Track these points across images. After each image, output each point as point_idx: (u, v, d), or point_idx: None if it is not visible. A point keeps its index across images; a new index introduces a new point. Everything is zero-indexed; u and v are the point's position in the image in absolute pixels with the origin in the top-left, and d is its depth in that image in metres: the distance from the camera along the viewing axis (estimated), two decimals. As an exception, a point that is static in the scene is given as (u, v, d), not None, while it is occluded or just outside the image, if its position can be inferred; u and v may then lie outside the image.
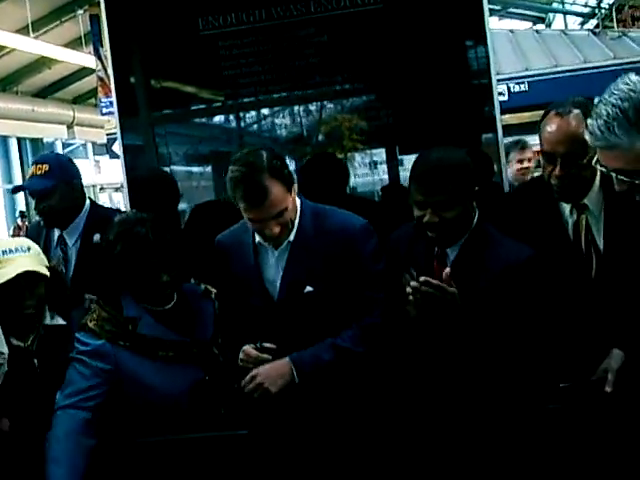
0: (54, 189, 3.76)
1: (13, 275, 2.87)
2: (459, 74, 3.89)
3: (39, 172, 3.79)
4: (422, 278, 2.58)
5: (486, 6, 3.78)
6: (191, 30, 4.00)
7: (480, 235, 2.74)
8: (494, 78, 3.78)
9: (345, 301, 2.84)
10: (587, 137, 2.23)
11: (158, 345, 2.81)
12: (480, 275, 2.66)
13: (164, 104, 4.19)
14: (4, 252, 2.93)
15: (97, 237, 3.54)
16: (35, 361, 2.92)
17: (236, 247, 3.00)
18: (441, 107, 3.86)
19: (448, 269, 2.61)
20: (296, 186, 2.88)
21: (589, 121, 2.17)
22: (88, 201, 3.94)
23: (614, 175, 2.23)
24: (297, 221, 2.89)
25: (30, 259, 2.95)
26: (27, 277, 2.89)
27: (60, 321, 3.02)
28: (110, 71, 4.09)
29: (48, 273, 2.95)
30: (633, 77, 2.19)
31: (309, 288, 2.87)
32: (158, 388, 2.77)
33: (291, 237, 2.87)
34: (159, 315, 2.86)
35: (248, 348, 2.84)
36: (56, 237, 3.87)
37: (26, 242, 3.04)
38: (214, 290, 3.03)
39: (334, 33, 3.94)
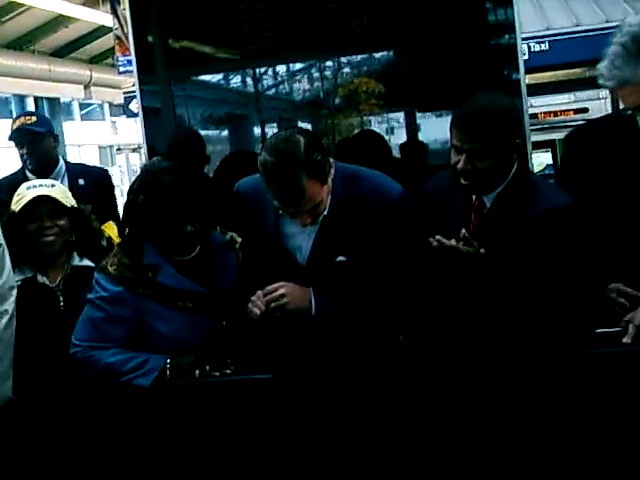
0: (44, 136, 4.40)
1: (29, 198, 2.93)
2: (483, 33, 3.83)
3: (29, 122, 4.39)
4: (436, 237, 2.57)
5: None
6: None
7: (518, 184, 2.70)
8: (519, 37, 3.72)
9: (376, 269, 2.78)
10: (600, 81, 2.24)
11: (177, 295, 2.82)
12: (516, 224, 2.64)
13: (182, 62, 4.16)
14: (28, 187, 3.06)
15: (82, 182, 4.40)
16: (61, 299, 2.96)
17: (257, 203, 2.87)
18: (463, 67, 3.80)
19: (463, 230, 2.60)
20: (333, 170, 2.73)
21: (598, 65, 2.18)
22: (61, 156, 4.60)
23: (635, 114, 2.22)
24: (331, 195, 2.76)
25: (53, 192, 3.03)
26: (48, 207, 3.00)
27: (88, 262, 3.04)
28: (128, 29, 4.08)
29: (69, 205, 3.04)
30: (634, 16, 2.22)
31: (341, 258, 2.79)
32: (176, 338, 2.80)
33: (324, 211, 2.76)
34: (180, 265, 2.86)
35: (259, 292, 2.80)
36: None
37: (50, 181, 3.22)
38: (239, 240, 2.98)
39: None
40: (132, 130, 21.65)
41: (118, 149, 22.36)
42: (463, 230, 2.60)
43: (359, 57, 4.09)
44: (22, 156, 4.43)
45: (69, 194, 3.14)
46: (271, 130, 4.23)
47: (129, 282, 2.82)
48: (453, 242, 2.58)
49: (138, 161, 22.12)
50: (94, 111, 23.11)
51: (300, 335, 2.82)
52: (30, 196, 2.98)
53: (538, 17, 10.85)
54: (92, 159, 21.93)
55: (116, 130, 23.25)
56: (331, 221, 2.77)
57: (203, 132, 4.36)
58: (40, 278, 3.01)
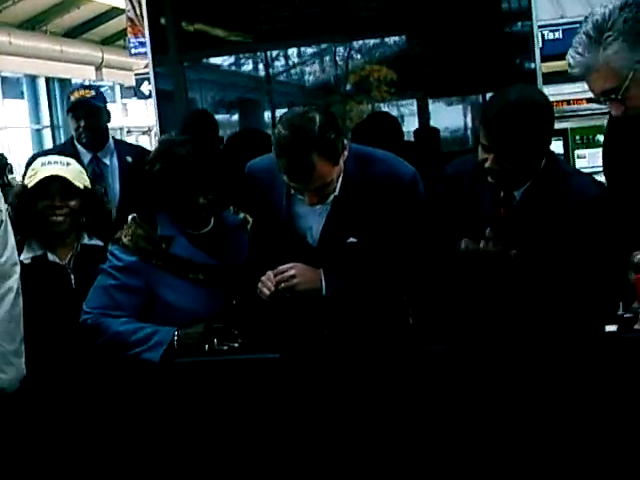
0: (101, 110, 4.42)
1: (41, 177, 2.96)
2: (499, 20, 3.81)
3: (88, 95, 4.38)
4: (462, 244, 2.56)
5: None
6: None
7: (548, 177, 2.66)
8: (535, 25, 3.70)
9: (387, 251, 2.76)
10: (569, 71, 2.24)
11: (189, 266, 2.86)
12: (547, 218, 2.62)
13: (197, 44, 4.16)
14: (43, 163, 3.05)
15: (130, 159, 4.39)
16: (72, 278, 2.97)
17: (269, 183, 2.84)
18: (478, 53, 3.78)
19: (488, 230, 2.58)
20: (346, 152, 2.70)
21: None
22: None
23: (605, 100, 2.23)
24: (342, 175, 2.73)
25: (67, 172, 3.01)
26: (60, 186, 2.98)
27: (98, 242, 3.06)
28: (142, 11, 4.07)
29: (82, 186, 3.02)
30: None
31: (352, 239, 2.78)
32: (185, 309, 2.83)
33: (335, 192, 2.72)
34: (194, 238, 2.90)
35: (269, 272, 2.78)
36: (88, 159, 4.34)
37: (66, 158, 3.15)
38: (251, 220, 3.02)
39: None
40: (142, 112, 21.70)
41: (128, 131, 22.41)
42: (487, 230, 2.58)
43: (372, 42, 4.06)
44: (77, 129, 4.39)
45: (84, 174, 3.13)
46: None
47: (143, 252, 2.85)
48: (482, 245, 2.58)
49: (148, 143, 22.16)
50: (105, 93, 23.15)
51: (310, 315, 2.82)
52: (43, 174, 2.98)
53: (552, 5, 10.80)
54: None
55: (127, 112, 23.30)
56: (342, 202, 2.76)
57: (215, 115, 4.34)
58: (50, 256, 3.03)
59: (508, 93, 2.64)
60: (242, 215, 3.04)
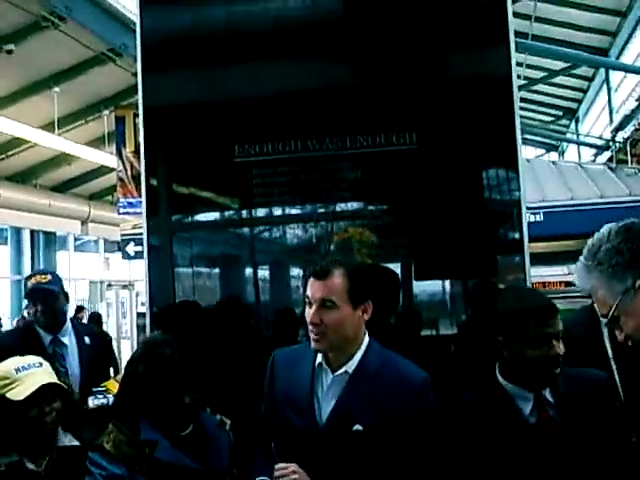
0: (58, 294, 4.57)
1: (36, 387, 2.87)
2: (490, 206, 3.91)
3: (44, 280, 4.56)
4: None
5: (519, 137, 3.80)
6: (226, 156, 4.04)
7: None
8: (524, 206, 3.78)
9: (389, 449, 2.74)
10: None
11: (174, 472, 2.74)
12: (585, 402, 2.72)
13: (187, 207, 4.23)
14: (18, 370, 2.96)
15: (88, 340, 4.64)
16: None
17: (294, 364, 2.95)
18: (465, 234, 3.84)
19: None
20: (364, 317, 2.85)
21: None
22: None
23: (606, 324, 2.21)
24: (360, 355, 2.84)
25: (45, 373, 2.97)
26: (45, 392, 2.90)
27: (73, 442, 2.97)
28: (132, 172, 4.14)
29: (65, 385, 2.96)
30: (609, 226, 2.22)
31: (358, 427, 2.77)
32: None
33: (350, 369, 2.82)
34: (176, 441, 2.81)
35: None
36: (48, 340, 4.52)
37: (35, 358, 3.08)
38: (229, 421, 3.01)
39: (367, 169, 3.94)
40: (124, 267, 21.80)
41: (109, 285, 22.41)
42: None
43: (354, 209, 4.14)
44: (35, 313, 4.56)
45: (52, 370, 3.08)
46: (263, 272, 4.25)
47: (126, 458, 2.74)
48: None
49: (127, 297, 22.12)
50: (88, 244, 23.32)
51: None
52: (32, 383, 2.89)
53: (534, 189, 11.13)
54: (82, 293, 22.00)
55: (108, 266, 23.40)
56: (356, 385, 2.81)
57: (200, 270, 4.36)
58: (29, 464, 2.89)
59: (522, 290, 3.11)
60: (219, 416, 3.02)
